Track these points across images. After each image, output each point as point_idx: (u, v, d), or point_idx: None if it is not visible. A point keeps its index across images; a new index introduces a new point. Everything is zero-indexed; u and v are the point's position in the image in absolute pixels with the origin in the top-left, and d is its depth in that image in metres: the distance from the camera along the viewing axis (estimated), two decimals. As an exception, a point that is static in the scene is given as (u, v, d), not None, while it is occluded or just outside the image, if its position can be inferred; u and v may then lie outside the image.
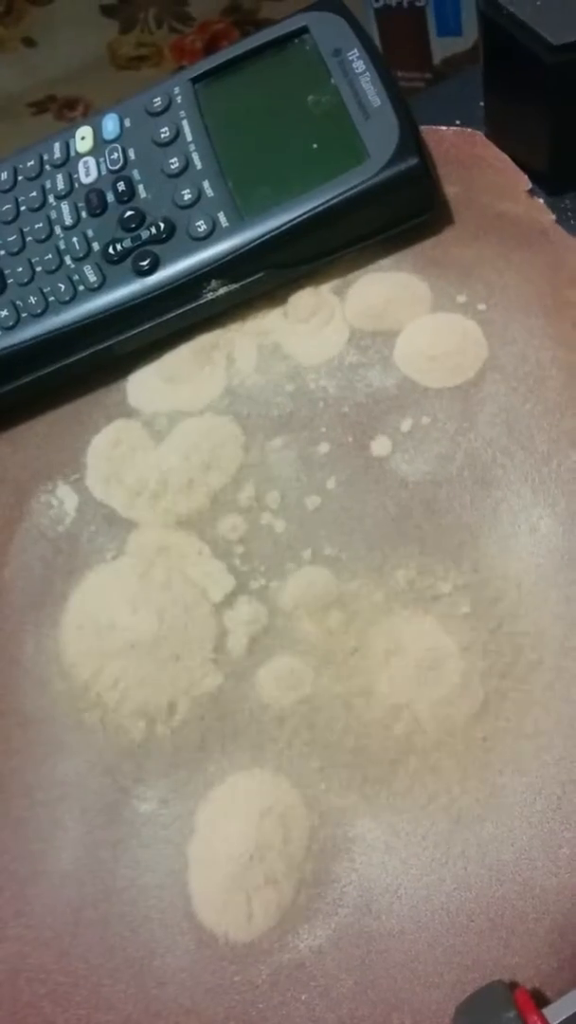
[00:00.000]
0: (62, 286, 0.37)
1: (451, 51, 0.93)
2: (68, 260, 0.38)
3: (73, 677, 0.34)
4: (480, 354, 0.36)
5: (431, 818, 0.31)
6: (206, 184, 0.38)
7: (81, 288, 0.37)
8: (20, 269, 0.38)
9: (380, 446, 0.35)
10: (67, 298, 0.37)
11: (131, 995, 0.30)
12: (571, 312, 0.37)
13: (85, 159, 0.40)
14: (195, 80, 0.40)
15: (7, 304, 0.38)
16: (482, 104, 0.43)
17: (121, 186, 0.38)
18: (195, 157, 0.38)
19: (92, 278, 0.37)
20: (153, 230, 0.37)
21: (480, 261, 0.38)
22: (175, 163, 0.38)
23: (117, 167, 0.39)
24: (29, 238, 0.39)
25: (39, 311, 0.37)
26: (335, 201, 0.36)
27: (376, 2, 0.91)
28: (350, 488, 0.35)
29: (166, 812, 0.32)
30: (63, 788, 0.33)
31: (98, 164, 0.39)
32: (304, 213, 0.36)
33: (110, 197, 0.38)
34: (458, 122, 0.42)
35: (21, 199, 0.40)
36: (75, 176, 0.39)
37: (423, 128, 0.39)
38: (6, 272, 0.38)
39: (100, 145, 0.40)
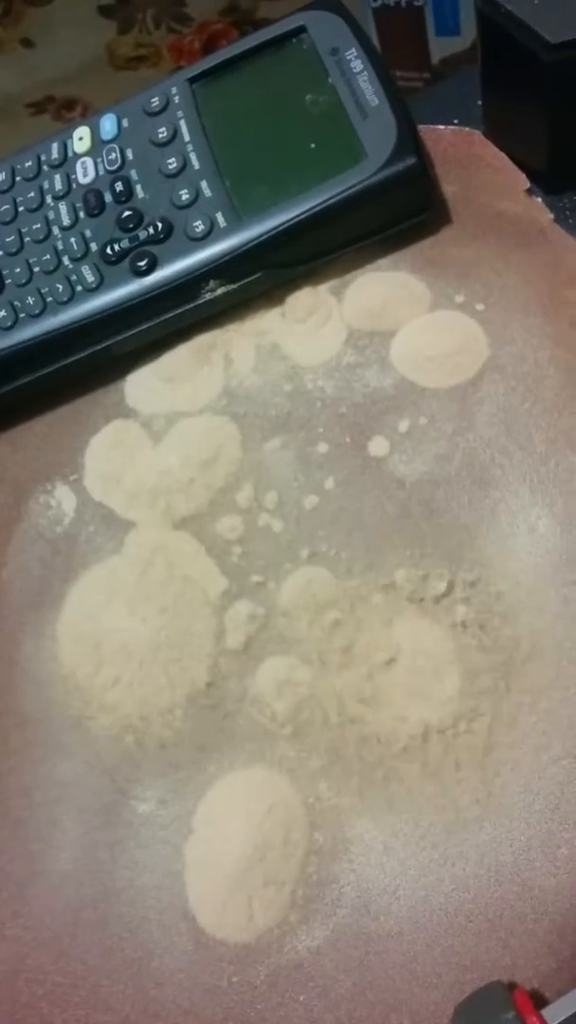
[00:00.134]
0: (60, 286, 0.37)
1: (449, 51, 0.93)
2: (66, 260, 0.38)
3: (71, 677, 0.34)
4: (478, 354, 0.36)
5: (429, 819, 0.31)
6: (204, 184, 0.38)
7: (79, 288, 0.37)
8: (18, 270, 0.38)
9: (378, 446, 0.35)
10: (65, 298, 0.37)
11: (129, 996, 0.30)
12: (569, 312, 0.37)
13: (83, 159, 0.40)
14: (193, 80, 0.40)
15: (5, 305, 0.38)
16: (480, 103, 0.43)
17: (119, 186, 0.38)
18: (193, 157, 0.38)
19: (90, 278, 0.37)
20: (151, 230, 0.37)
21: (478, 261, 0.38)
22: (173, 163, 0.38)
23: (115, 167, 0.39)
24: (27, 238, 0.39)
25: (37, 312, 0.37)
26: (333, 201, 0.36)
27: (374, 2, 0.91)
28: (348, 488, 0.35)
29: (164, 813, 0.32)
30: (61, 789, 0.33)
31: (96, 164, 0.39)
32: (302, 213, 0.36)
33: (108, 197, 0.38)
34: (456, 121, 0.42)
35: (19, 199, 0.40)
36: (73, 176, 0.39)
37: (421, 127, 0.39)
38: (4, 273, 0.38)
39: (98, 145, 0.40)
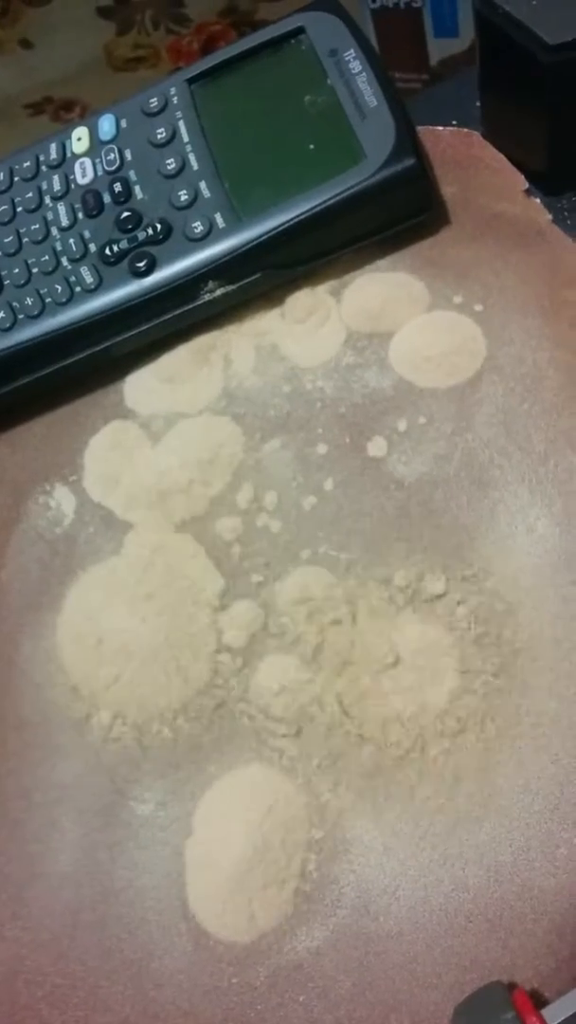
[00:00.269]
0: (59, 287, 0.37)
1: (448, 52, 0.93)
2: (65, 261, 0.38)
3: (70, 679, 0.34)
4: (477, 355, 0.36)
5: (429, 819, 0.31)
6: (203, 185, 0.38)
7: (78, 289, 0.37)
8: (16, 270, 0.38)
9: (377, 447, 0.35)
10: (64, 299, 0.37)
11: (129, 997, 0.30)
12: (568, 312, 0.37)
13: (81, 160, 0.40)
14: (191, 81, 0.40)
15: (4, 306, 0.38)
16: (479, 104, 0.43)
17: (117, 187, 0.38)
18: (191, 158, 0.38)
19: (89, 279, 0.37)
20: (150, 231, 0.37)
21: (477, 261, 0.38)
22: (171, 164, 0.38)
23: (113, 168, 0.39)
24: (25, 239, 0.39)
25: (36, 312, 0.37)
26: (332, 202, 0.36)
27: (373, 3, 0.91)
28: (347, 489, 0.35)
29: (164, 814, 0.32)
30: (60, 790, 0.33)
31: (94, 165, 0.39)
32: (301, 214, 0.36)
33: (106, 198, 0.38)
34: (455, 122, 0.42)
35: (17, 200, 0.39)
36: (71, 177, 0.39)
37: (420, 129, 0.39)
38: (2, 274, 0.38)
39: (96, 146, 0.40)
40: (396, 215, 0.38)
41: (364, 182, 0.36)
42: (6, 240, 0.39)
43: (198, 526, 0.35)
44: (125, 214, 0.38)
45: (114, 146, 0.40)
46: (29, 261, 0.38)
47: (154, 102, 0.40)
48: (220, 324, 0.39)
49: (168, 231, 0.37)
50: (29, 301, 0.37)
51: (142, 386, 0.39)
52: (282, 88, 0.39)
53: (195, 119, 0.39)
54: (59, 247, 0.38)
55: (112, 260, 0.37)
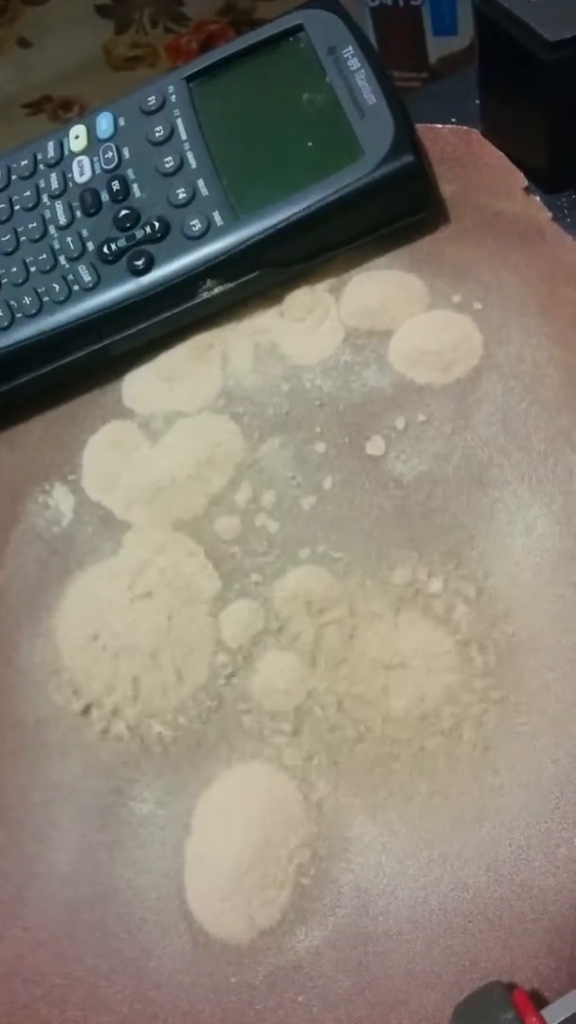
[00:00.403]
0: (57, 286, 0.37)
1: (447, 50, 0.93)
2: (63, 260, 0.38)
3: (68, 679, 0.34)
4: (476, 353, 0.36)
5: (428, 818, 0.30)
6: (201, 183, 0.38)
7: (76, 288, 0.37)
8: (14, 269, 0.38)
9: (376, 445, 0.35)
10: (62, 298, 0.37)
11: (128, 996, 0.30)
12: (567, 311, 0.37)
13: (79, 158, 0.40)
14: (189, 79, 0.40)
15: (1, 304, 0.38)
16: (478, 102, 0.43)
17: (115, 185, 0.38)
18: (190, 156, 0.38)
19: (87, 278, 0.37)
20: (148, 229, 0.37)
21: (476, 260, 0.38)
22: (170, 162, 0.38)
23: (111, 166, 0.39)
24: (23, 238, 0.39)
25: (34, 311, 0.37)
26: (330, 199, 0.36)
27: (371, 1, 0.91)
28: (346, 488, 0.35)
29: (163, 813, 0.32)
30: (59, 790, 0.33)
31: (92, 163, 0.39)
32: (299, 212, 0.36)
33: (104, 196, 0.38)
34: (454, 120, 0.42)
35: (15, 198, 0.39)
36: (69, 175, 0.39)
37: (419, 127, 0.39)
38: (0, 272, 0.38)
39: (94, 144, 0.40)
40: (395, 213, 0.38)
41: (363, 180, 0.36)
42: (4, 239, 0.39)
43: (197, 525, 0.35)
44: (123, 212, 0.38)
45: (112, 144, 0.39)
46: (27, 260, 0.38)
47: (152, 100, 0.40)
48: (218, 322, 0.38)
49: (166, 229, 0.37)
50: (27, 300, 0.37)
51: (141, 385, 0.38)
52: (280, 86, 0.39)
53: (193, 117, 0.39)
54: (57, 245, 0.38)
55: (110, 258, 0.37)
